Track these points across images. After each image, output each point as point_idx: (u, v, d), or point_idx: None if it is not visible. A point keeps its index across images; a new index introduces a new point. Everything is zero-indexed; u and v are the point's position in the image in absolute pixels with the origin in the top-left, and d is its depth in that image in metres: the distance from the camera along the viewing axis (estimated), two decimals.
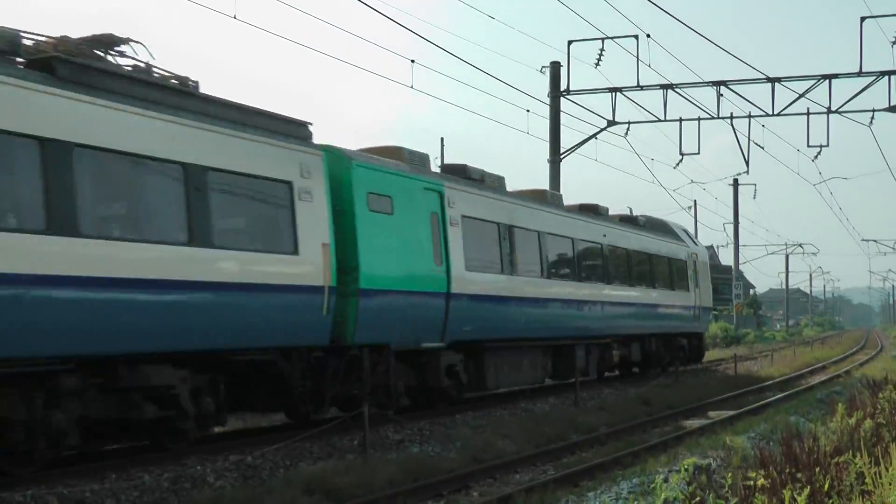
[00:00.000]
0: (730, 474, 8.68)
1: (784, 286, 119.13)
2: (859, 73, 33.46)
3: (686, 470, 8.70)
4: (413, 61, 23.85)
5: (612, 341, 27.46)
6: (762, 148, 40.30)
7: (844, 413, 12.63)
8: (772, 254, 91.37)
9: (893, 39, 33.73)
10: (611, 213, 28.70)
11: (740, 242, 65.91)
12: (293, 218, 15.04)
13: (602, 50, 34.19)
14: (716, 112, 35.78)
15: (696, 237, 39.56)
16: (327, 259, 15.46)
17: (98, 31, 13.25)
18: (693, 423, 20.99)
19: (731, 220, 66.81)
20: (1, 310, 10.52)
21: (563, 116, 34.56)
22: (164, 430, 13.75)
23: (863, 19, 32.60)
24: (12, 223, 10.89)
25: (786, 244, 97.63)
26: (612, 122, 36.37)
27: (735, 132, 36.83)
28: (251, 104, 14.82)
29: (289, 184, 15.01)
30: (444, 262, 18.77)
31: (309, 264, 15.18)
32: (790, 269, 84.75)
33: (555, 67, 34.58)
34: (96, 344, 11.79)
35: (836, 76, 34.14)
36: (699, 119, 36.66)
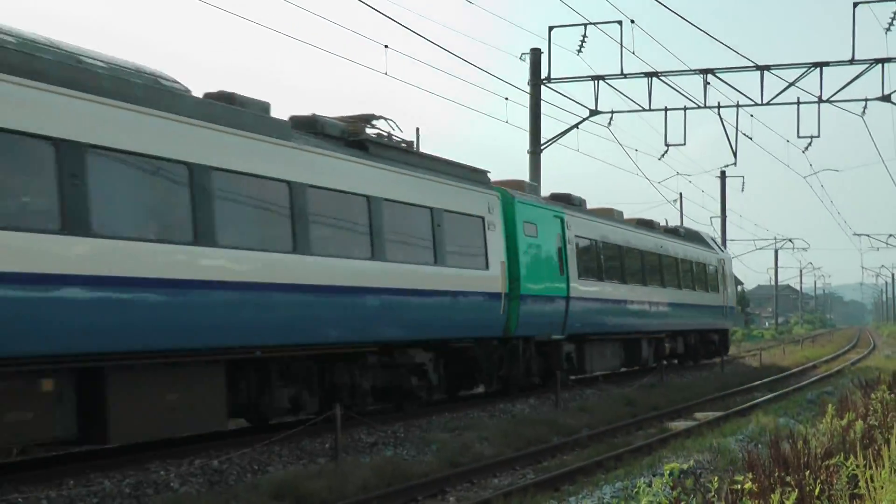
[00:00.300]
0: (716, 478, 8.70)
1: (773, 282, 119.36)
2: (852, 61, 33.59)
3: (670, 473, 8.71)
4: (387, 46, 23.72)
5: (665, 336, 34.07)
6: (750, 139, 40.30)
7: (835, 414, 12.74)
8: (760, 249, 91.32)
9: (887, 26, 33.83)
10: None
11: (728, 237, 65.97)
12: (485, 243, 21.50)
13: (584, 36, 34.20)
14: (702, 101, 35.86)
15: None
16: (503, 273, 21.98)
17: (359, 111, 20.15)
18: (678, 424, 21.12)
19: (719, 213, 66.74)
20: (348, 312, 16.67)
21: (543, 105, 34.49)
22: (406, 396, 20.03)
23: (855, 5, 32.70)
24: (402, 256, 18.43)
25: (775, 239, 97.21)
26: (594, 112, 36.37)
27: (722, 122, 36.95)
28: (450, 158, 21.21)
29: (482, 218, 21.47)
30: (565, 272, 25.32)
31: (494, 277, 21.59)
32: (780, 264, 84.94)
33: (535, 54, 34.38)
34: (392, 332, 18.02)
35: (827, 64, 34.27)
36: (685, 108, 36.75)
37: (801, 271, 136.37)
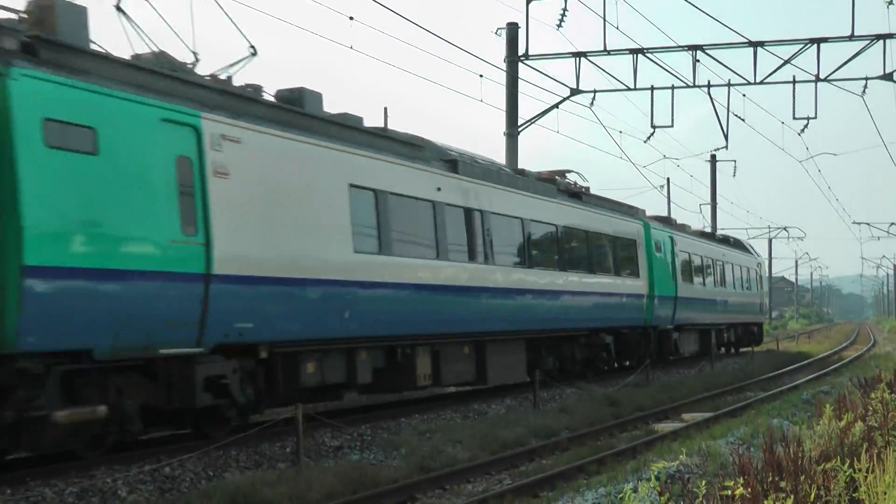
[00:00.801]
0: (705, 483, 8.71)
1: (767, 274, 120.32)
2: (851, 37, 33.72)
3: (657, 478, 8.73)
4: (352, 18, 23.58)
5: (724, 327, 45.52)
6: (743, 120, 40.38)
7: (833, 415, 12.74)
8: (753, 238, 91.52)
9: (889, 0, 33.95)
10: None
11: (718, 225, 66.08)
12: (636, 258, 32.77)
13: (565, 10, 34.24)
14: (691, 80, 35.95)
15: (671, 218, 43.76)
16: (646, 279, 33.12)
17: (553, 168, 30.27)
18: (665, 426, 21.27)
19: (708, 200, 67.00)
20: (579, 308, 27.96)
21: (521, 84, 34.51)
22: (589, 365, 30.34)
23: None
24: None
25: (769, 227, 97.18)
26: (575, 91, 36.43)
27: (713, 102, 37.11)
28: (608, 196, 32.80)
29: (635, 241, 32.72)
30: (675, 278, 36.35)
31: (643, 282, 32.80)
32: (774, 255, 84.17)
33: (512, 29, 34.33)
34: (594, 323, 29.38)
35: (825, 40, 34.38)
36: (673, 88, 36.86)
37: (796, 262, 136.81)
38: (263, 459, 15.72)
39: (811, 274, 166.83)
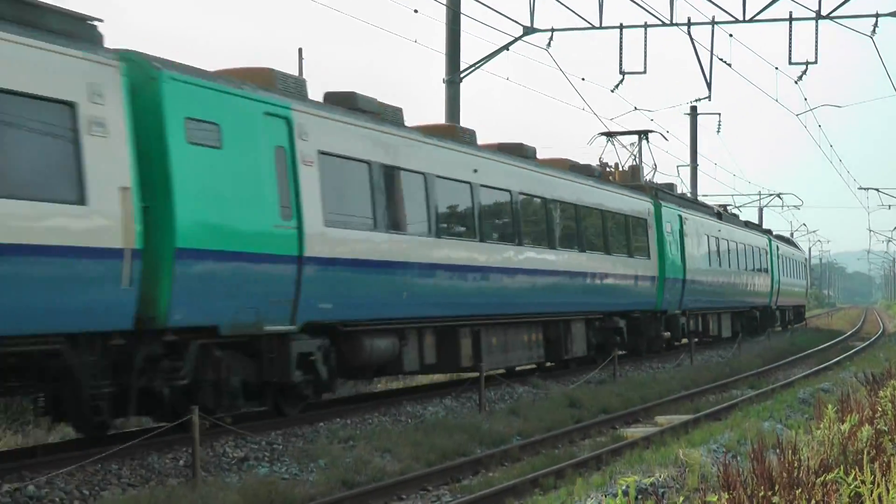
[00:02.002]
0: (683, 498, 8.73)
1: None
2: None
3: (625, 493, 8.74)
4: None
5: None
6: (729, 66, 40.54)
7: (835, 417, 12.86)
8: (741, 206, 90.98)
9: None
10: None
11: (699, 191, 66.25)
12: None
13: None
14: (668, 17, 35.98)
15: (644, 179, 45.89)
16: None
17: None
18: (636, 431, 21.64)
19: (688, 161, 67.02)
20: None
21: (464, 22, 34.32)
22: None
23: None
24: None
25: (759, 193, 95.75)
26: (529, 30, 36.33)
27: (693, 44, 37.12)
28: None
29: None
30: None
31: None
32: (765, 226, 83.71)
33: None
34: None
35: None
36: (646, 26, 36.84)
37: (792, 235, 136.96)
38: (151, 474, 15.67)
39: (809, 249, 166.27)
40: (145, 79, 16.54)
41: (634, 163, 42.82)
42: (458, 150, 25.66)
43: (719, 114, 68.51)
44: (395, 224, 22.82)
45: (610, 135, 44.30)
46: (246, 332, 18.22)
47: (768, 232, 66.08)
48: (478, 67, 35.70)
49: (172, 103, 16.71)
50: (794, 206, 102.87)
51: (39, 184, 14.51)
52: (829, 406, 13.40)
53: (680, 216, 41.20)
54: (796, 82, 42.04)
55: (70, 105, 15.00)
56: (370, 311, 21.65)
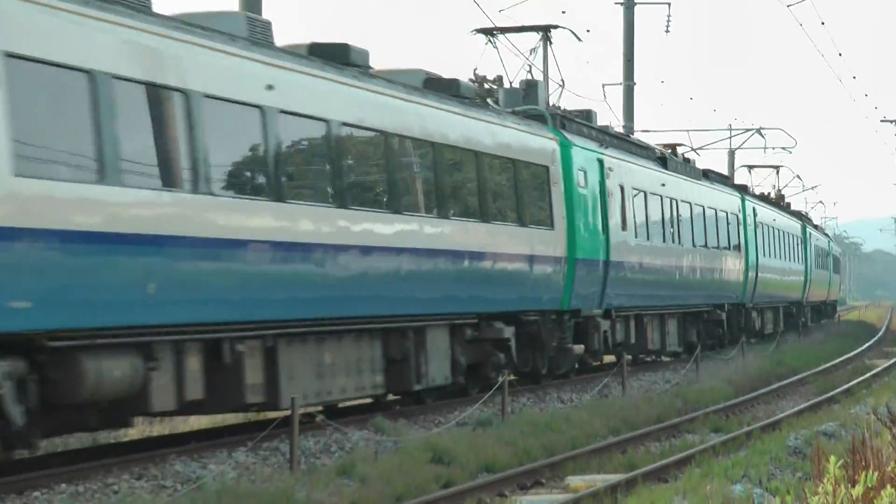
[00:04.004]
0: None
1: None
2: None
3: None
4: None
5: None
6: None
7: (841, 475, 10.95)
8: (703, 148, 69.71)
9: None
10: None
11: (636, 125, 48.95)
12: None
13: None
14: None
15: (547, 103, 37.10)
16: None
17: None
18: (537, 499, 19.26)
19: (620, 78, 51.15)
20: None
21: None
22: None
23: None
24: None
25: (730, 128, 73.36)
26: None
27: None
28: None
29: (547, 168, 30.87)
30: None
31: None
32: (739, 179, 65.90)
33: None
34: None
35: None
36: None
37: (778, 192, 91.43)
38: None
39: (805, 215, 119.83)
40: None
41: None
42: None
43: (668, 3, 53.58)
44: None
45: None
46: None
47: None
48: None
49: (574, 162, 30.06)
50: (783, 149, 79.55)
51: (537, 218, 27.42)
52: (833, 458, 11.26)
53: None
54: None
55: (545, 168, 28.01)
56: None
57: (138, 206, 18.71)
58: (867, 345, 58.08)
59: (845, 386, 35.04)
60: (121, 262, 18.51)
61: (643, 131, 56.68)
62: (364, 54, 25.32)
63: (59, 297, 17.40)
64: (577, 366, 31.50)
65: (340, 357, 22.92)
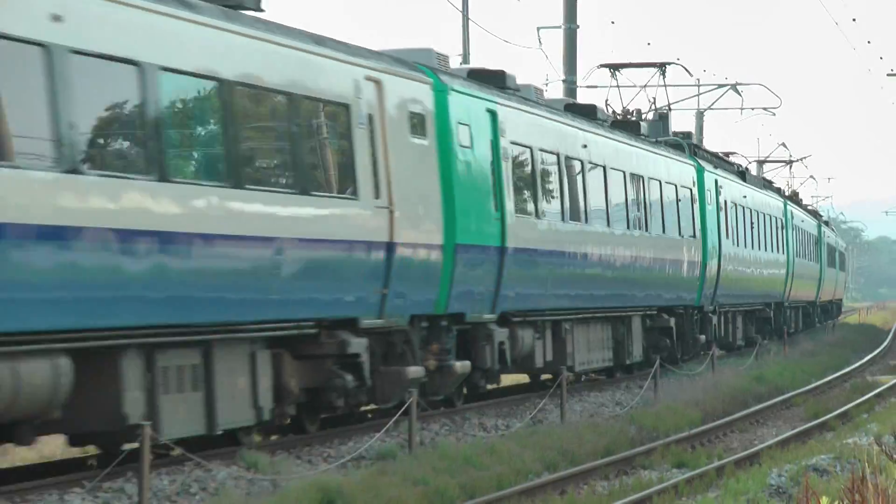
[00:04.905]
0: None
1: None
2: None
3: None
4: None
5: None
6: None
7: None
8: (665, 109, 60.49)
9: None
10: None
11: (581, 80, 46.48)
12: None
13: None
14: None
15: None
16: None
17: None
18: None
19: (560, 20, 45.90)
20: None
21: None
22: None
23: None
24: None
25: (698, 82, 63.89)
26: None
27: None
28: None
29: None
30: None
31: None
32: (712, 144, 60.00)
33: None
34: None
35: None
36: None
37: (759, 165, 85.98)
38: None
39: (792, 193, 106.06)
40: None
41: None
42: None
43: None
44: None
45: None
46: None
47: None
48: None
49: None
50: (765, 109, 70.64)
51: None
52: (826, 500, 10.85)
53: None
54: None
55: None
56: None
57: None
58: (869, 357, 52.01)
59: (842, 409, 32.30)
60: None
61: (589, 87, 50.08)
62: (513, 79, 28.88)
63: None
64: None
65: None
